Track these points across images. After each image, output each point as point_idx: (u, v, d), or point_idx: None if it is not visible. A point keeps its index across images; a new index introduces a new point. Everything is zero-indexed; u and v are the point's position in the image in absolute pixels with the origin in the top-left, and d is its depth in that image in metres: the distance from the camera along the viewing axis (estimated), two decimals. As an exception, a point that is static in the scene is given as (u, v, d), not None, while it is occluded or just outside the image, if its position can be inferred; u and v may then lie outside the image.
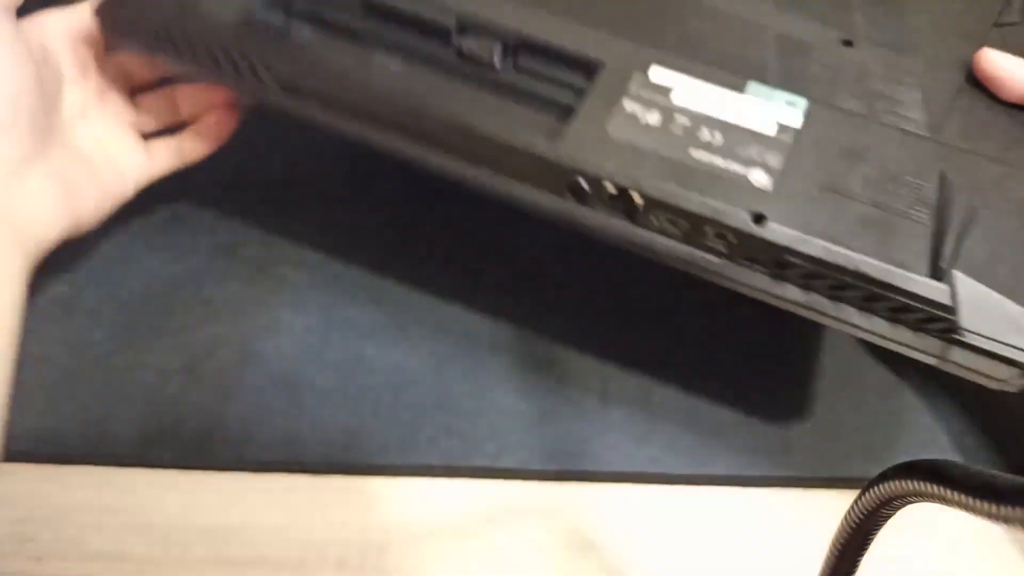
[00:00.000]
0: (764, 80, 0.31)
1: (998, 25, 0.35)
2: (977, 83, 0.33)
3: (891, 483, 0.16)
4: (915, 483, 0.16)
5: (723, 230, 0.26)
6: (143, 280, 0.40)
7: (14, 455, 0.33)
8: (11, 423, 0.34)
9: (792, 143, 0.28)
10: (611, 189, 0.27)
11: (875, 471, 0.17)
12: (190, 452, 0.33)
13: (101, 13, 0.32)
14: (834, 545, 0.19)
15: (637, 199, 0.27)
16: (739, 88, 0.30)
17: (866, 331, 0.27)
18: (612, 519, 0.32)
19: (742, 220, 0.26)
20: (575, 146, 0.27)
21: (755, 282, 0.28)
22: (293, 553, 0.31)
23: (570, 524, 0.32)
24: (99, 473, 0.33)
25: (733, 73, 0.30)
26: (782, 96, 0.30)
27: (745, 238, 0.26)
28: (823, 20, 0.33)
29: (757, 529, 0.32)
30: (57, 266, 0.41)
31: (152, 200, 0.45)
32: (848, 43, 0.33)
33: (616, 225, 0.28)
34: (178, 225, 0.43)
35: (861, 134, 0.29)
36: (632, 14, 0.32)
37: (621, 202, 0.28)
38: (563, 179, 0.28)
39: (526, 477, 0.33)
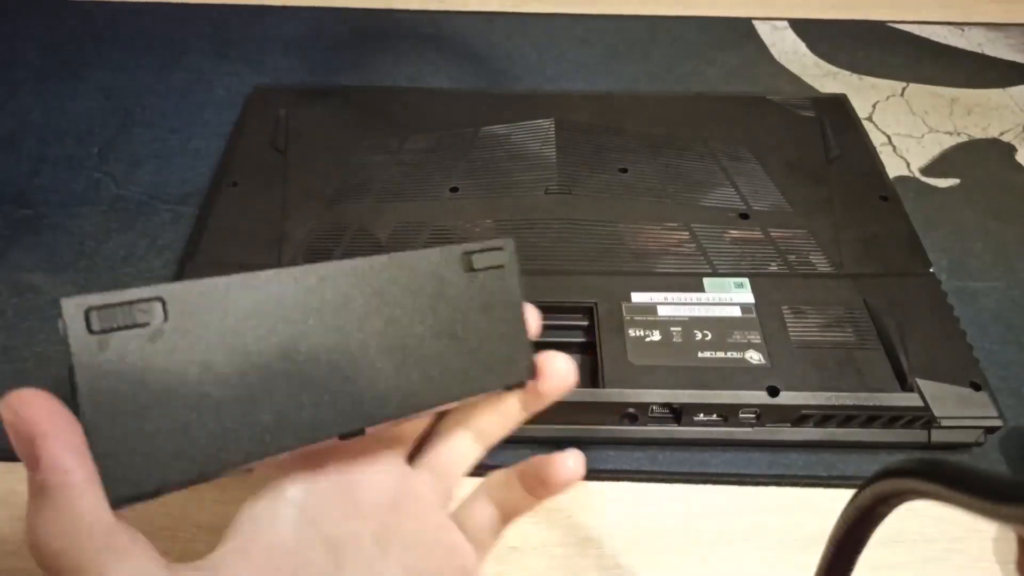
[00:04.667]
0: (712, 272, 0.37)
1: (829, 161, 0.44)
2: (848, 215, 0.40)
3: (889, 481, 0.16)
4: (913, 481, 0.16)
5: (750, 409, 0.32)
6: (146, 280, 0.40)
7: (16, 454, 0.34)
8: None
9: (757, 317, 0.35)
10: (655, 408, 0.33)
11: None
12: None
13: None
14: (831, 542, 0.19)
15: (676, 407, 0.33)
16: (700, 287, 0.36)
17: (869, 443, 0.33)
18: (610, 516, 0.32)
19: (762, 397, 0.32)
20: (615, 384, 0.32)
21: (782, 436, 0.33)
22: (295, 551, 0.31)
23: (570, 522, 0.32)
24: (102, 471, 0.33)
25: (688, 277, 0.37)
26: (729, 281, 0.37)
27: (768, 408, 0.32)
28: (720, 200, 0.41)
29: (755, 526, 0.32)
30: (61, 266, 0.41)
31: (154, 201, 0.45)
32: (744, 216, 0.41)
33: (665, 431, 0.34)
34: (181, 226, 0.43)
35: (795, 290, 0.36)
36: (591, 257, 0.38)
37: (665, 412, 0.33)
38: (616, 411, 0.33)
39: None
